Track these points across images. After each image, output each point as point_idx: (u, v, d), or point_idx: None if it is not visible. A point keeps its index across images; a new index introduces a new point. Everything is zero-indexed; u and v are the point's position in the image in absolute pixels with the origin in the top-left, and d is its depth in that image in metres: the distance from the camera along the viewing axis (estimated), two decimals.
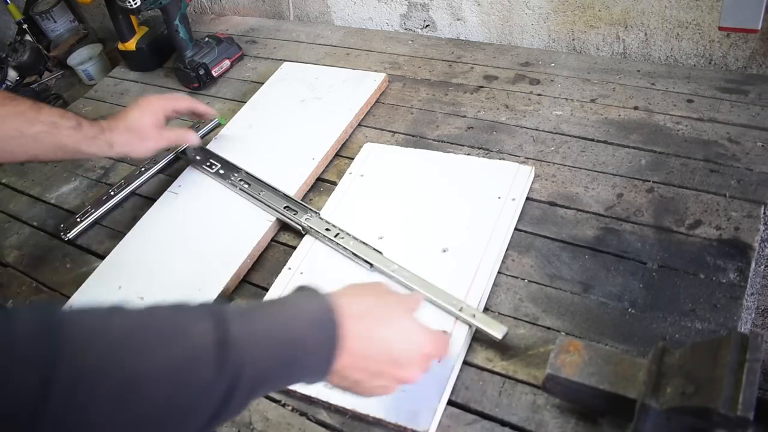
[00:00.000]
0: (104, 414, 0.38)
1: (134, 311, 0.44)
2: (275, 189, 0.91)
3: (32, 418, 0.36)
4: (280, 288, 0.79)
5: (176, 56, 1.22)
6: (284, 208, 0.88)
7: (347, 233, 0.82)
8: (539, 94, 0.99)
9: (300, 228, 0.85)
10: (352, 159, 0.94)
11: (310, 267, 0.80)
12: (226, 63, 1.23)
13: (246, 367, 0.44)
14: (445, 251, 0.77)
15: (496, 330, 0.67)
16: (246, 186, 0.93)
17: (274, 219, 0.88)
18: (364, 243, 0.80)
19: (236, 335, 0.44)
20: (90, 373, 0.38)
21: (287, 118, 1.05)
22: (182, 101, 0.94)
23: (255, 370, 0.44)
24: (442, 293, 0.72)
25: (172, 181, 0.98)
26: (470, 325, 0.69)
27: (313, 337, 0.48)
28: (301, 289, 0.54)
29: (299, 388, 0.68)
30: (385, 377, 0.53)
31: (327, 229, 0.83)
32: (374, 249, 0.79)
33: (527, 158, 0.89)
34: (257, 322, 0.47)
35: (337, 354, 0.49)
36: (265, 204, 0.89)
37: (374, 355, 0.52)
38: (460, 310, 0.70)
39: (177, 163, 1.04)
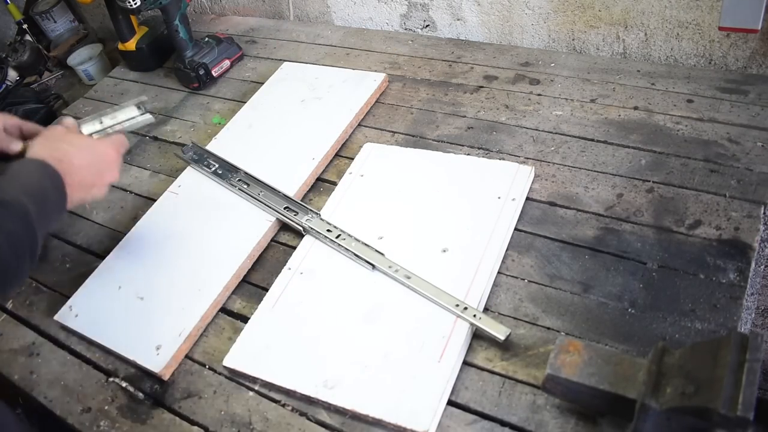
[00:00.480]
0: None
1: None
2: (275, 189, 0.91)
3: None
4: (280, 288, 0.79)
5: (176, 56, 1.22)
6: (284, 208, 0.88)
7: (348, 234, 0.82)
8: (539, 94, 0.99)
9: (300, 229, 0.85)
10: (352, 159, 0.94)
11: (310, 267, 0.80)
12: (226, 63, 1.23)
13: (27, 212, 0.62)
14: (445, 251, 0.77)
15: (499, 331, 0.67)
16: (245, 186, 0.93)
17: (273, 219, 0.88)
18: (365, 244, 0.80)
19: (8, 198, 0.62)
20: None
21: (287, 118, 1.05)
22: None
23: (34, 212, 0.62)
24: (444, 294, 0.72)
25: (172, 181, 0.98)
26: (473, 326, 0.69)
27: (46, 181, 0.67)
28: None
29: (299, 387, 0.68)
30: (97, 185, 0.74)
31: (328, 230, 0.83)
32: (376, 250, 0.79)
33: (527, 158, 0.89)
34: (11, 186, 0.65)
35: (65, 183, 0.68)
36: (265, 204, 0.89)
37: (85, 173, 0.72)
38: (464, 310, 0.70)
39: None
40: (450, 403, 0.65)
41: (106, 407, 0.74)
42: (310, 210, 0.87)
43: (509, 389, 0.65)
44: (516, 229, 0.80)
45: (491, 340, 0.69)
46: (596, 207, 0.80)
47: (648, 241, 0.75)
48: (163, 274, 0.84)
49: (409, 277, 0.75)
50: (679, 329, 0.66)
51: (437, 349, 0.68)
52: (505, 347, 0.68)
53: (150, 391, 0.75)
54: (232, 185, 0.93)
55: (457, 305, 0.70)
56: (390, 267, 0.77)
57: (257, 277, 0.84)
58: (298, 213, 0.87)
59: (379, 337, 0.71)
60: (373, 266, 0.78)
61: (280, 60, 1.20)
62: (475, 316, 0.69)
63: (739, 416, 0.47)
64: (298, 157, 0.96)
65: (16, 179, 0.66)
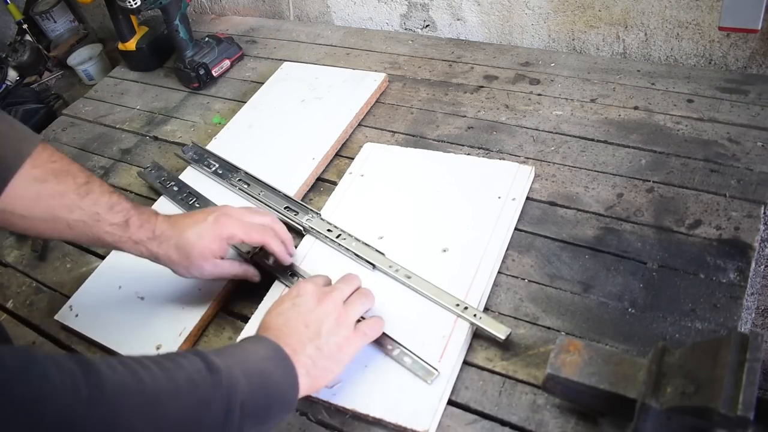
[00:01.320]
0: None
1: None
2: (275, 189, 0.91)
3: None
4: (280, 288, 0.79)
5: (176, 56, 1.22)
6: (284, 208, 0.88)
7: (349, 234, 0.82)
8: (539, 94, 0.99)
9: (301, 228, 0.85)
10: (352, 159, 0.94)
11: (310, 267, 0.80)
12: (226, 63, 1.23)
13: (234, 387, 0.53)
14: (445, 251, 0.77)
15: (499, 331, 0.67)
16: (245, 186, 0.93)
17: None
18: (365, 244, 0.80)
19: (219, 363, 0.54)
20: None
21: (287, 117, 1.05)
22: (260, 236, 0.75)
23: (243, 393, 0.53)
24: (445, 294, 0.72)
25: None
26: (473, 325, 0.69)
27: (276, 369, 0.58)
28: (243, 340, 0.62)
29: None
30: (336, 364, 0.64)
31: (328, 230, 0.83)
32: (376, 250, 0.79)
33: (527, 158, 0.89)
34: (229, 356, 0.56)
35: (297, 376, 0.59)
36: (265, 204, 0.89)
37: (323, 364, 0.62)
38: (464, 310, 0.70)
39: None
40: (450, 402, 0.65)
41: None
42: (311, 210, 0.87)
43: (509, 389, 0.65)
44: (516, 228, 0.80)
45: (491, 340, 0.69)
46: (596, 207, 0.80)
47: (648, 240, 0.75)
48: (163, 274, 0.84)
49: (409, 277, 0.75)
50: (679, 329, 0.66)
51: (437, 349, 0.68)
52: (506, 347, 0.68)
53: None
54: (233, 185, 0.93)
55: (458, 305, 0.70)
56: (390, 267, 0.77)
57: None
58: (298, 213, 0.87)
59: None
60: (374, 266, 0.78)
61: (280, 60, 1.20)
62: (475, 315, 0.69)
63: (739, 416, 0.47)
64: (298, 156, 0.96)
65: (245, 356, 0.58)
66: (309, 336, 0.62)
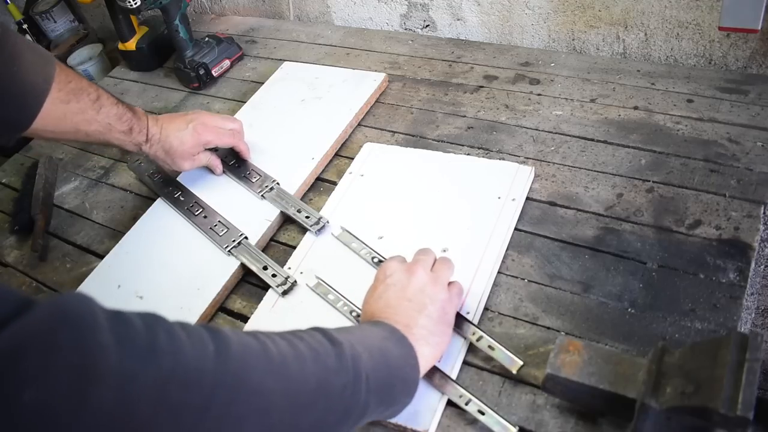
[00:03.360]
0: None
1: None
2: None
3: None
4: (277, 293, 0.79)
5: (176, 56, 1.22)
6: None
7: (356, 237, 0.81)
8: (539, 94, 0.99)
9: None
10: (352, 159, 0.94)
11: (310, 267, 0.80)
12: (226, 63, 1.23)
13: (358, 359, 0.52)
14: (445, 251, 0.77)
15: (513, 364, 0.65)
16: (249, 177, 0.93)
17: (273, 218, 0.88)
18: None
19: (340, 338, 0.53)
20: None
21: (287, 117, 1.05)
22: (228, 138, 0.93)
23: (366, 367, 0.52)
24: (462, 320, 0.69)
25: None
26: (488, 356, 0.67)
27: (395, 348, 0.58)
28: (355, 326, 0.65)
29: None
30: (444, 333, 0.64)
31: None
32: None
33: (527, 158, 0.89)
34: (348, 334, 0.56)
35: (417, 356, 0.59)
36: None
37: (439, 329, 0.64)
38: (479, 340, 0.68)
39: None
40: (450, 402, 0.65)
41: None
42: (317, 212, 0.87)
43: (509, 389, 0.65)
44: (516, 228, 0.80)
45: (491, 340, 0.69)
46: (596, 207, 0.80)
47: (648, 240, 0.75)
48: (162, 273, 0.84)
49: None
50: (679, 329, 0.66)
51: None
52: (505, 347, 0.68)
53: None
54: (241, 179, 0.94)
55: (473, 333, 0.68)
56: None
57: (257, 277, 0.84)
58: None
59: None
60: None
61: (280, 60, 1.20)
62: (489, 347, 0.67)
63: (738, 416, 0.47)
64: (298, 156, 0.96)
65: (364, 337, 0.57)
66: (416, 308, 0.63)
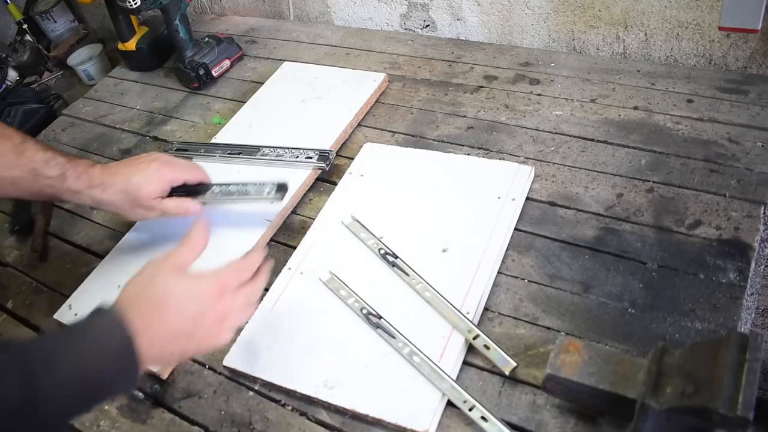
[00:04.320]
0: None
1: None
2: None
3: None
4: (280, 288, 0.79)
5: (176, 56, 1.22)
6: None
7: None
8: (539, 94, 0.99)
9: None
10: (352, 159, 0.94)
11: (310, 267, 0.80)
12: (226, 63, 1.23)
13: (50, 415, 0.50)
14: (445, 251, 0.77)
15: (506, 365, 0.66)
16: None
17: (272, 219, 0.88)
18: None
19: (43, 390, 0.49)
20: None
21: (287, 117, 1.05)
22: (196, 173, 0.83)
23: (60, 415, 0.51)
24: (458, 317, 0.70)
25: None
26: (484, 356, 0.68)
27: (112, 368, 0.54)
28: (97, 312, 0.57)
29: (299, 387, 0.68)
30: (195, 340, 0.59)
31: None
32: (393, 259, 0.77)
33: (527, 158, 0.89)
34: (60, 367, 0.51)
35: (137, 370, 0.55)
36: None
37: (173, 340, 0.58)
38: (475, 338, 0.68)
39: None
40: (450, 403, 0.65)
41: (106, 407, 0.74)
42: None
43: (509, 389, 0.65)
44: (516, 229, 0.80)
45: (491, 340, 0.69)
46: (596, 207, 0.80)
47: (648, 241, 0.75)
48: None
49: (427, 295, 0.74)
50: (679, 329, 0.66)
51: (437, 349, 0.68)
52: (505, 347, 0.68)
53: (150, 390, 0.75)
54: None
55: (469, 331, 0.68)
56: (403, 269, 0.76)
57: None
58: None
59: (380, 337, 0.71)
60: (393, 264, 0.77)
61: (280, 60, 1.20)
62: (485, 346, 0.67)
63: (738, 416, 0.47)
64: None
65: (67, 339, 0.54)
66: (179, 333, 0.58)
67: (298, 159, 0.94)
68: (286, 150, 0.95)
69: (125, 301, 0.58)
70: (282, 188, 0.83)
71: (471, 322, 0.69)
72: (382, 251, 0.78)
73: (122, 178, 0.77)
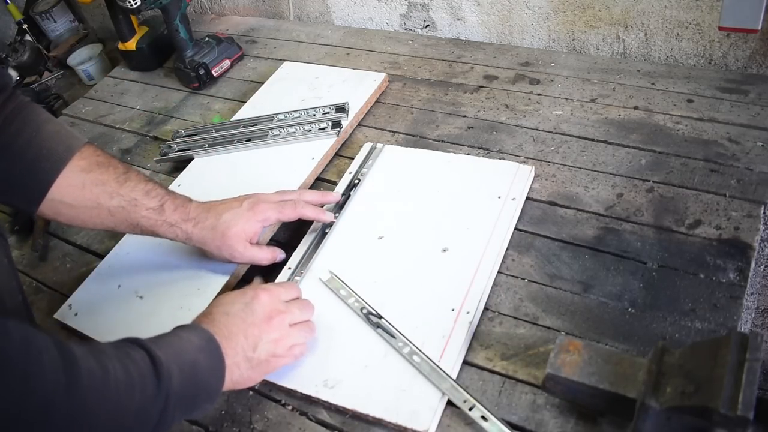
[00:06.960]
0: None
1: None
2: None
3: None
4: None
5: (176, 56, 1.22)
6: None
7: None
8: (539, 94, 0.99)
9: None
10: (352, 159, 0.94)
11: (309, 266, 0.80)
12: (226, 63, 1.23)
13: (170, 380, 0.55)
14: (445, 251, 0.77)
15: None
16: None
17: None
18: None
19: (161, 358, 0.55)
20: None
21: None
22: (293, 210, 0.79)
23: (175, 385, 0.55)
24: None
25: (172, 180, 0.98)
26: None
27: (206, 361, 0.60)
28: (180, 327, 0.63)
29: (299, 387, 0.68)
30: (270, 364, 0.66)
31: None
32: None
33: (527, 158, 0.89)
34: (166, 347, 0.58)
35: (225, 370, 0.61)
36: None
37: (247, 375, 0.64)
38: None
39: None
40: (450, 402, 0.65)
41: None
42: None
43: (509, 389, 0.65)
44: (516, 228, 0.80)
45: (492, 339, 0.69)
46: (596, 207, 0.80)
47: (648, 240, 0.75)
48: (162, 273, 0.84)
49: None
50: (679, 329, 0.66)
51: (437, 349, 0.68)
52: (506, 347, 0.68)
53: None
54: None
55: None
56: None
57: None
58: None
59: (380, 336, 0.71)
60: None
61: (280, 60, 1.20)
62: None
63: (739, 416, 0.47)
64: (298, 156, 0.96)
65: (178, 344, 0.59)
66: (244, 347, 0.64)
67: (311, 132, 0.98)
68: (302, 113, 1.01)
69: (214, 320, 0.64)
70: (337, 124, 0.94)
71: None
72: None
73: (214, 214, 0.77)
